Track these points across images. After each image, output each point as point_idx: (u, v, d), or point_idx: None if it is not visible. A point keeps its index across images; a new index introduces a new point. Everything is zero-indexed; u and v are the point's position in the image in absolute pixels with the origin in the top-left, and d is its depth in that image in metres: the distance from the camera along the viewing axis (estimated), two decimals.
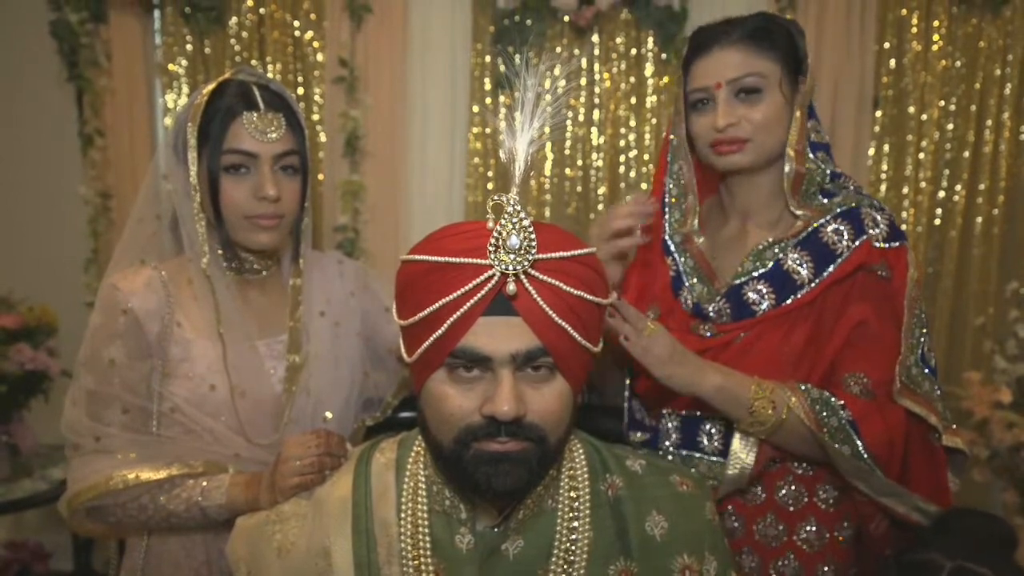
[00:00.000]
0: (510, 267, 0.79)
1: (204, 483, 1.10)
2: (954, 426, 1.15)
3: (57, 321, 2.31)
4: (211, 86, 1.14)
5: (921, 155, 2.46)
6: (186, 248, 1.18)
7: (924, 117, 2.44)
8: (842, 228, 1.11)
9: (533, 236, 0.79)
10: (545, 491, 0.91)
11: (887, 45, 2.43)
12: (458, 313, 0.80)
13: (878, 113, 2.46)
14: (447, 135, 2.56)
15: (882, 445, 1.05)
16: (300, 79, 2.52)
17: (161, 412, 1.14)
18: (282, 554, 0.93)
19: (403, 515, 0.92)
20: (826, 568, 1.11)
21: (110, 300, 1.14)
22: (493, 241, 0.79)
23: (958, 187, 2.46)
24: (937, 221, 2.48)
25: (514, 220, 0.79)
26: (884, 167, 2.48)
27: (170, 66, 2.54)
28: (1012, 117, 2.44)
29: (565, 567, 0.90)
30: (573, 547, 0.91)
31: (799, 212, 1.14)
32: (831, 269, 1.10)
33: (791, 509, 1.12)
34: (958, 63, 2.42)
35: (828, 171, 1.17)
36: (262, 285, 1.23)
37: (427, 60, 2.53)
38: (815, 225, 1.12)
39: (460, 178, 2.56)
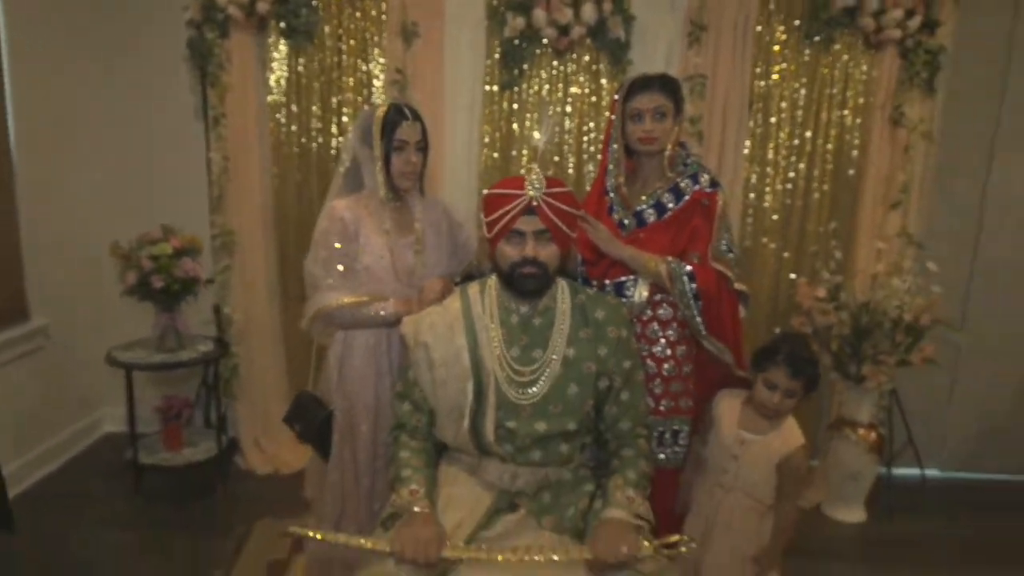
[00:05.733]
0: (534, 195, 1.62)
1: (379, 303, 2.05)
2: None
3: (202, 244, 3.07)
4: (384, 108, 2.05)
5: (779, 142, 3.18)
6: (367, 187, 2.09)
7: (783, 117, 3.16)
8: (688, 182, 2.13)
9: (544, 181, 1.62)
10: (550, 297, 1.76)
11: (758, 69, 3.13)
12: (510, 215, 1.58)
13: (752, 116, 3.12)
14: (467, 120, 3.22)
15: (708, 285, 2.05)
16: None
17: (357, 270, 2.07)
18: (432, 328, 1.73)
19: (485, 311, 1.76)
20: (682, 349, 2.13)
21: (331, 214, 2.04)
22: (527, 184, 1.63)
23: (801, 165, 3.23)
24: (789, 185, 3.28)
25: (535, 174, 1.66)
26: (754, 151, 3.20)
27: (272, 66, 3.20)
28: (835, 124, 3.17)
29: (561, 328, 1.70)
30: (564, 321, 1.72)
31: (669, 175, 2.16)
32: (682, 202, 2.12)
33: (664, 319, 2.15)
34: (804, 79, 3.14)
35: (686, 155, 2.18)
36: (400, 209, 2.17)
37: (456, 69, 3.14)
38: (676, 182, 2.15)
39: (476, 148, 3.23)
